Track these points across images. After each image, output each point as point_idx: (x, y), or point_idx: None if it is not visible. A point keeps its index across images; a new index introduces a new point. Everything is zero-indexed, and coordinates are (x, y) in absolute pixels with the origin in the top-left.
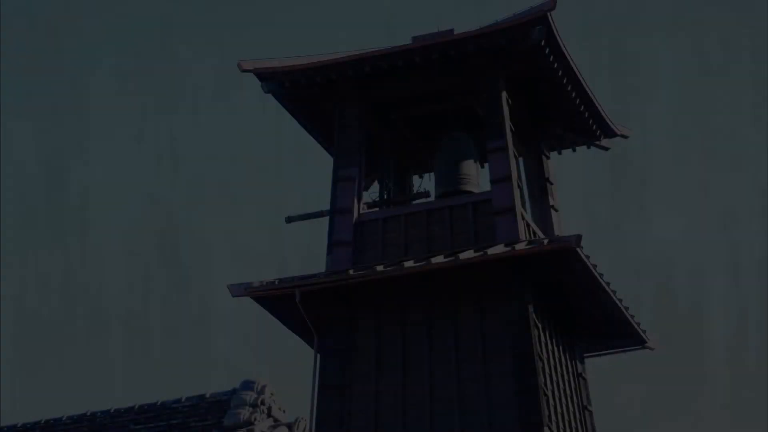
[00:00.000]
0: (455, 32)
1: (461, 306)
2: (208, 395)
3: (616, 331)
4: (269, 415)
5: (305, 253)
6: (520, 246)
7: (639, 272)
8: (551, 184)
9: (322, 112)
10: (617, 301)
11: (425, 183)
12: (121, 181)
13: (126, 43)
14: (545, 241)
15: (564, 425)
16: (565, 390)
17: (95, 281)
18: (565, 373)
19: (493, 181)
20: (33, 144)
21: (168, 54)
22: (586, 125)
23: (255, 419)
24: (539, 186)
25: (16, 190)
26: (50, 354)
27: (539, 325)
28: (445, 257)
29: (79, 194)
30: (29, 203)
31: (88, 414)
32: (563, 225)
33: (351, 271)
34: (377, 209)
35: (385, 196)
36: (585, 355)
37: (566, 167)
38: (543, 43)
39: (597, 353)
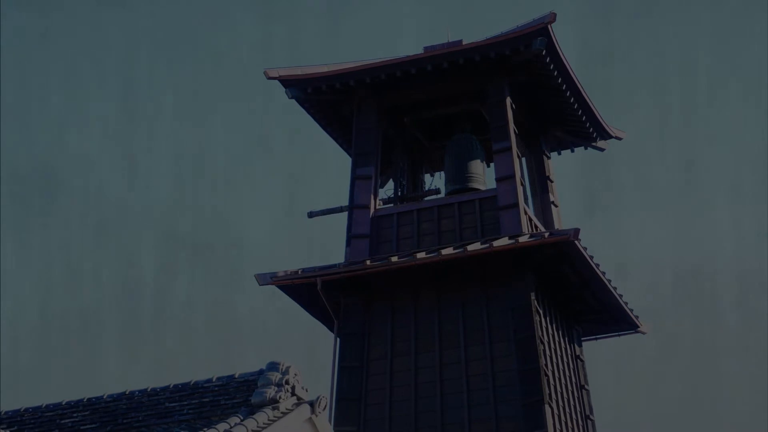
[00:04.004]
0: (463, 42)
1: (468, 294)
2: (237, 375)
3: (611, 316)
4: (293, 394)
5: (326, 245)
6: (523, 239)
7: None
8: (551, 181)
9: (340, 116)
10: (612, 290)
11: (436, 181)
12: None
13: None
14: (546, 235)
15: (563, 403)
16: (564, 371)
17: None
18: (564, 355)
19: (498, 180)
20: None
21: (192, 60)
22: (583, 128)
23: (280, 397)
24: (540, 183)
25: None
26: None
27: (540, 311)
28: (454, 249)
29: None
30: None
31: (127, 392)
32: (562, 219)
33: (368, 262)
34: (392, 205)
35: (399, 193)
36: (582, 338)
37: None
38: (544, 52)
39: (594, 337)
